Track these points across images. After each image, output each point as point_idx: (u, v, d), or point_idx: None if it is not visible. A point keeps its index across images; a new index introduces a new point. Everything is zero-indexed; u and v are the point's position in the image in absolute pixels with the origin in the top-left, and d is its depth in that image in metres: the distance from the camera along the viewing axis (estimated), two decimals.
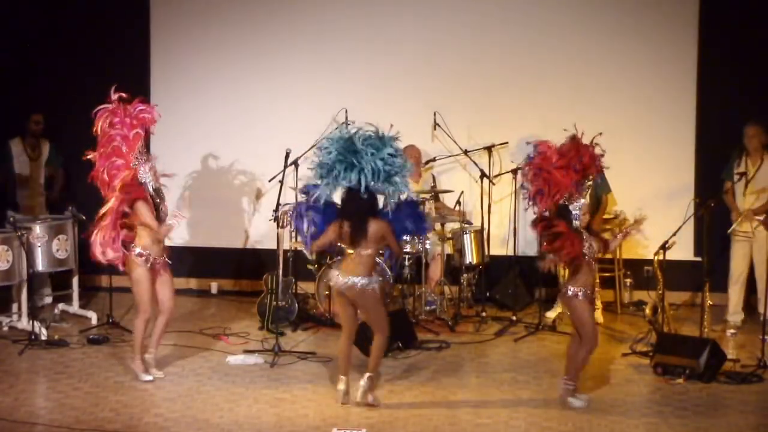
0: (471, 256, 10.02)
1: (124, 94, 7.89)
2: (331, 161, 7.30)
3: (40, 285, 10.19)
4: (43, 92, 11.01)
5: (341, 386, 7.46)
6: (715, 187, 9.78)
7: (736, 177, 9.60)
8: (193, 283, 11.03)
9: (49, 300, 10.28)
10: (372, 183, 7.29)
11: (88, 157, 7.93)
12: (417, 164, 10.15)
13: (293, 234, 9.95)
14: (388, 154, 7.32)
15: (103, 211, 7.84)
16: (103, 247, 7.83)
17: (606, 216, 10.05)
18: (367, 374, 7.45)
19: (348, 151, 7.27)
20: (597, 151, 7.45)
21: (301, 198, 7.66)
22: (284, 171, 9.56)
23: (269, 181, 10.31)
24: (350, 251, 7.41)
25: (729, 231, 9.60)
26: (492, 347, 9.16)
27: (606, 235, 8.29)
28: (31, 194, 10.53)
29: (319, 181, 7.41)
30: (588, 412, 7.35)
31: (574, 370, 7.50)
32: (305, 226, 7.50)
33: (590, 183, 7.70)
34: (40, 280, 10.18)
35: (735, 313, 9.76)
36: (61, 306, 10.05)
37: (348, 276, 7.36)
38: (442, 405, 7.56)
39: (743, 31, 10.41)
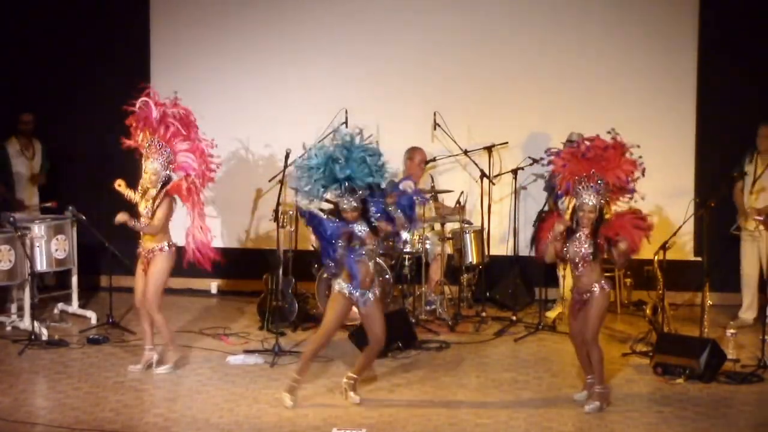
0: (471, 256, 10.02)
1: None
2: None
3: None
4: (42, 92, 11.01)
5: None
6: (715, 187, 9.78)
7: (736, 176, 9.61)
8: (193, 283, 11.01)
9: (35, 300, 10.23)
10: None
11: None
12: (421, 166, 10.16)
13: (293, 234, 9.99)
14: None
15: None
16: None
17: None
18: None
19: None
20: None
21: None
22: (284, 171, 9.56)
23: (269, 181, 10.32)
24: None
25: (732, 229, 9.59)
26: (492, 347, 9.16)
27: None
28: (27, 191, 10.59)
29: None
30: (588, 412, 7.36)
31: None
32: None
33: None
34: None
35: (747, 311, 9.77)
36: (60, 306, 10.06)
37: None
38: (442, 405, 7.55)
39: (743, 31, 10.42)
